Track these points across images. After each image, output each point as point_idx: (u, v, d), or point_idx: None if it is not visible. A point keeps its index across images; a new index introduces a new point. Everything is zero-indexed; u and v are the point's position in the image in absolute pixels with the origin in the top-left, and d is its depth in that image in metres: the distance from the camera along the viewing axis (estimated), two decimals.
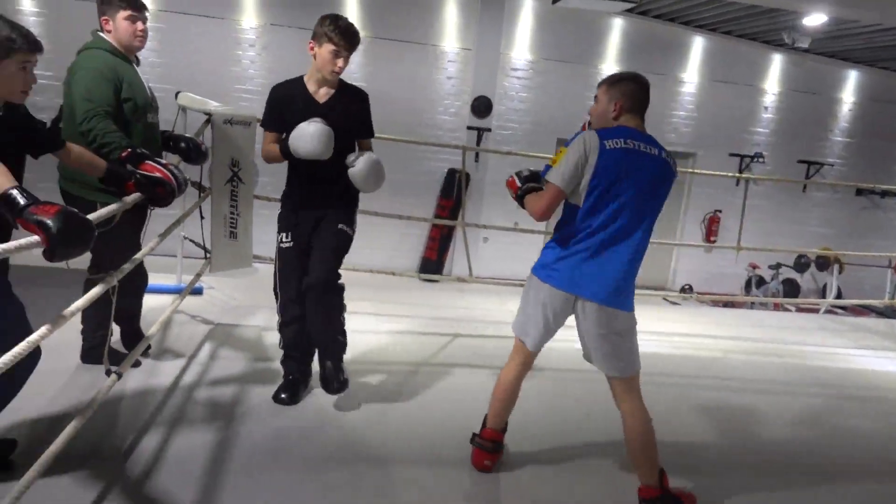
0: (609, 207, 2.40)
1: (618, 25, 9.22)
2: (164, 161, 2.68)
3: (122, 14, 2.83)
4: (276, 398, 3.14)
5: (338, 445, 2.82)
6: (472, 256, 5.47)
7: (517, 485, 2.69)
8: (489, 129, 9.14)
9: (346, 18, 2.90)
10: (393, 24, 8.72)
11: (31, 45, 2.05)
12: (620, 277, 2.44)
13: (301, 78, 3.01)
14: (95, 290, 2.37)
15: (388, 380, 3.55)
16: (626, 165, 2.38)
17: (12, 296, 2.19)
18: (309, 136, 2.77)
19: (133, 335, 3.33)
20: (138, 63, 3.04)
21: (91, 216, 1.98)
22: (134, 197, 2.52)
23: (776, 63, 9.65)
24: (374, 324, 4.40)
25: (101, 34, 2.90)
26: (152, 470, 2.49)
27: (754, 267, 9.40)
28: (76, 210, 1.78)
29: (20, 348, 1.81)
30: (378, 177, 3.05)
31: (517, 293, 5.54)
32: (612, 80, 2.51)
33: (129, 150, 2.59)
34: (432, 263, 9.25)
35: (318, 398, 3.21)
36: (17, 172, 2.15)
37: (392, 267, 8.37)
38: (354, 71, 8.74)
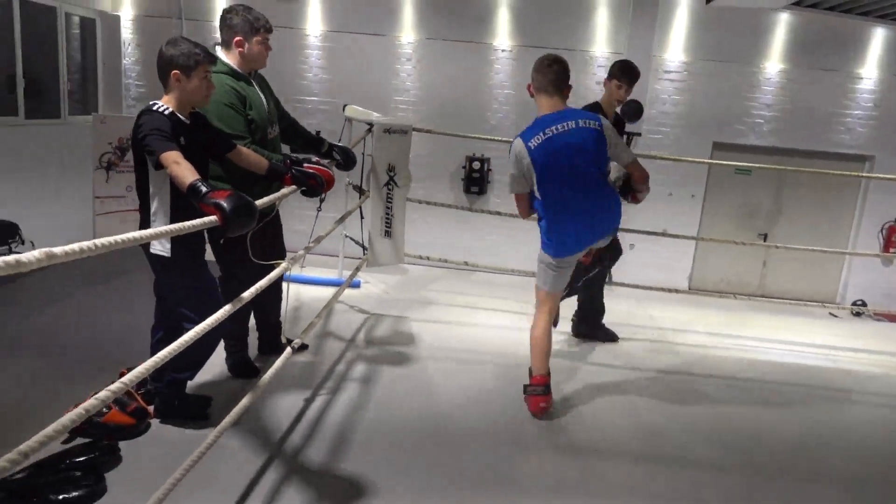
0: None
1: (783, 20, 8.67)
2: (315, 158, 3.11)
3: (258, 38, 2.99)
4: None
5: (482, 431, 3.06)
6: (620, 261, 5.35)
7: None
8: (639, 134, 8.98)
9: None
10: (542, 33, 8.87)
11: (211, 58, 2.58)
12: None
13: (596, 104, 4.13)
14: (275, 273, 2.79)
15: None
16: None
17: (208, 270, 2.68)
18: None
19: (273, 344, 3.54)
20: (256, 76, 3.16)
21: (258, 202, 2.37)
22: (290, 189, 2.93)
23: None
24: (516, 321, 4.59)
25: (221, 56, 3.00)
26: (314, 432, 2.87)
27: None
28: (243, 193, 2.17)
29: (214, 318, 2.23)
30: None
31: (662, 298, 5.50)
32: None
33: (289, 160, 3.01)
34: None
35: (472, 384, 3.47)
36: (203, 169, 2.64)
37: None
38: (504, 80, 9.02)
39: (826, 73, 8.76)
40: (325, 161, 3.49)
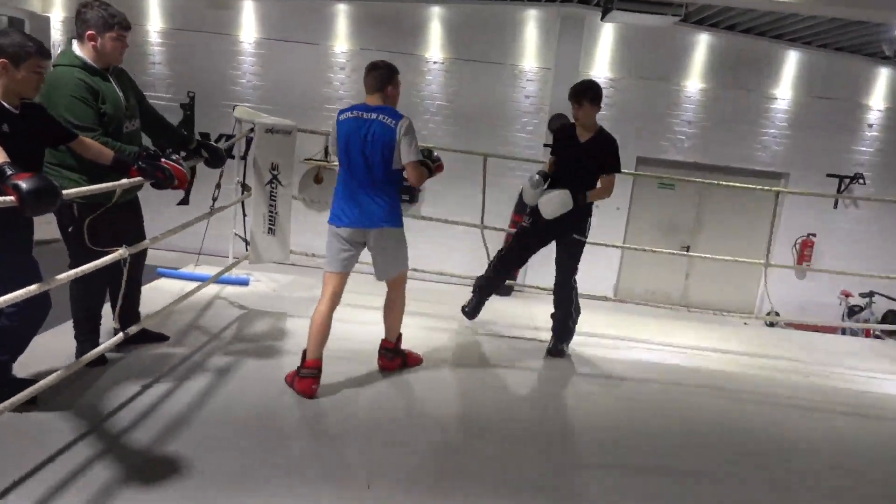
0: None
1: (703, 41, 9.02)
2: (175, 157, 3.18)
3: (112, 34, 3.07)
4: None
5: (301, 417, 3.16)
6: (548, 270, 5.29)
7: None
8: None
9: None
10: (474, 46, 9.10)
11: (45, 52, 2.61)
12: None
13: (574, 124, 4.14)
14: (106, 258, 2.87)
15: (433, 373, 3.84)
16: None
17: (30, 255, 2.73)
18: (546, 201, 4.00)
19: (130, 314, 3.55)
20: (114, 70, 3.22)
21: (76, 191, 2.52)
22: (134, 180, 3.02)
23: (882, 77, 8.96)
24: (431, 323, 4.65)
25: (75, 50, 3.08)
26: (142, 417, 2.94)
27: (847, 295, 8.70)
28: (47, 176, 2.24)
29: (17, 294, 2.31)
30: (559, 207, 4.00)
31: (587, 306, 5.64)
32: None
33: (145, 152, 3.09)
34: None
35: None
36: (35, 160, 2.71)
37: (472, 272, 8.66)
38: (436, 91, 9.21)
39: (743, 93, 9.11)
40: (191, 158, 3.59)
